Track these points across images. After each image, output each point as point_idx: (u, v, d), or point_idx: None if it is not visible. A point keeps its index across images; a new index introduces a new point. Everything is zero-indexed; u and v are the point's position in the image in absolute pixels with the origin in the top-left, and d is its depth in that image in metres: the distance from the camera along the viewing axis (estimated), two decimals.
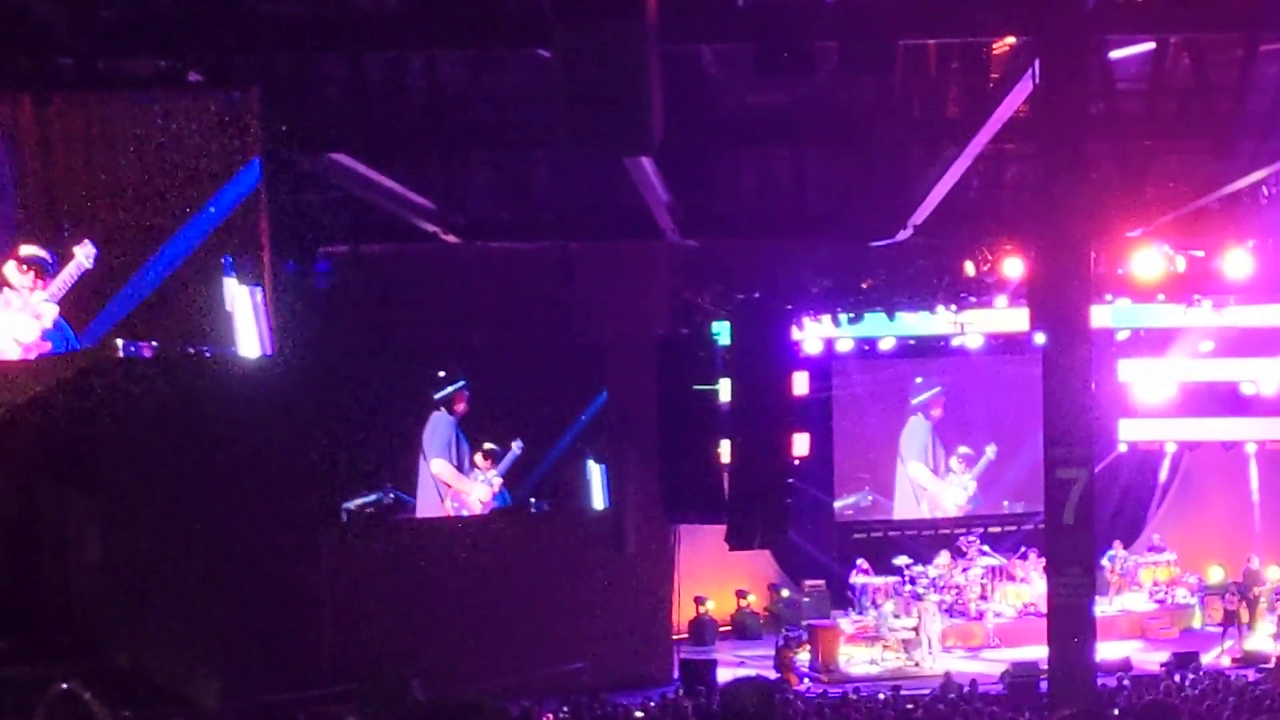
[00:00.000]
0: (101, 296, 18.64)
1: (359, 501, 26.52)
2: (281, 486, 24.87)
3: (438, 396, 26.93)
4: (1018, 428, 29.91)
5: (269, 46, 17.62)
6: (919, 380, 31.89)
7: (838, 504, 31.82)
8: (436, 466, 27.03)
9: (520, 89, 20.84)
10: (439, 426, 27.07)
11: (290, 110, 19.01)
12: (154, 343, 19.36)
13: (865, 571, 30.31)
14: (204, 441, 23.98)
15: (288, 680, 23.85)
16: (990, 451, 31.73)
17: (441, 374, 26.87)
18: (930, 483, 32.10)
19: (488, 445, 27.10)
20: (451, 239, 24.42)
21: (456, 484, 27.08)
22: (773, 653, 27.77)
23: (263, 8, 17.13)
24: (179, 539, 24.11)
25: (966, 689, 23.74)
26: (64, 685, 7.26)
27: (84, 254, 18.43)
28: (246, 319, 19.07)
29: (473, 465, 27.17)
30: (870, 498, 32.05)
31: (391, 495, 26.81)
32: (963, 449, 32.03)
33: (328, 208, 22.93)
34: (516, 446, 27.06)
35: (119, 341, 19.24)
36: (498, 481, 27.13)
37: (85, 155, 18.14)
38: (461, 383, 26.94)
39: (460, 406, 27.03)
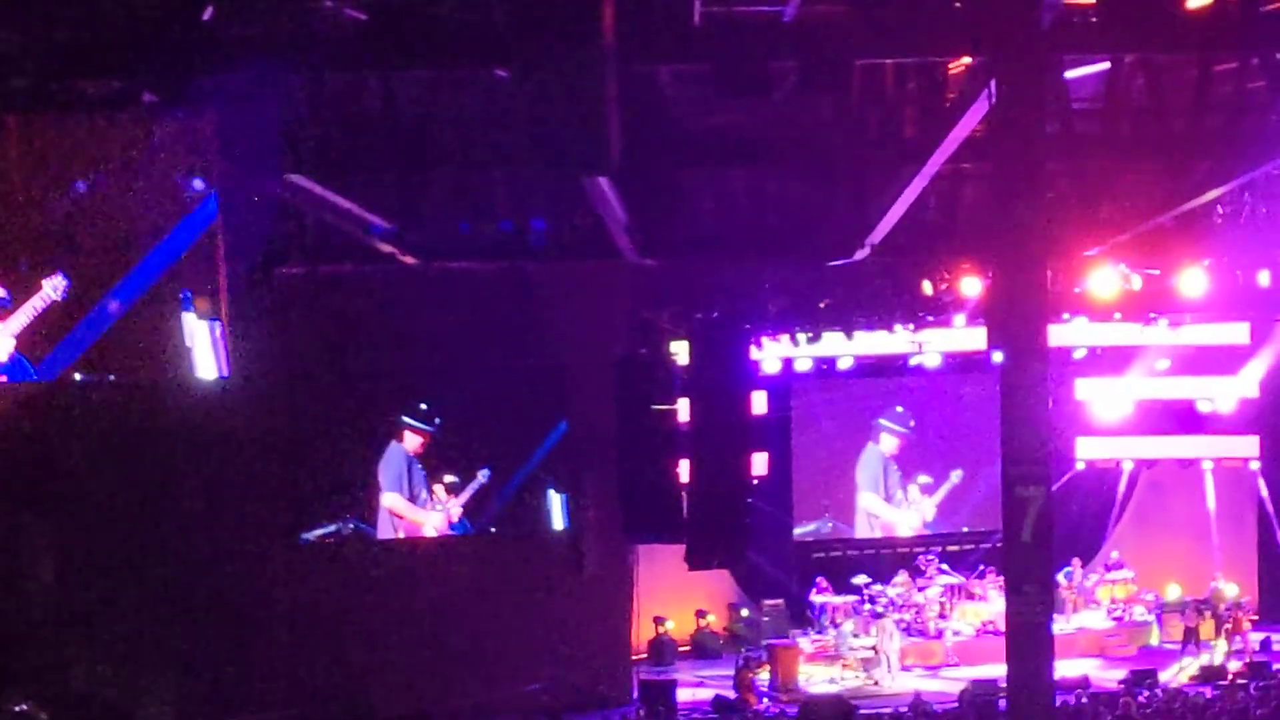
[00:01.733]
0: (59, 331, 18.49)
1: (318, 532, 26.42)
2: (239, 509, 24.79)
3: (403, 419, 26.92)
4: (976, 446, 30.02)
5: (225, 67, 17.54)
6: (899, 409, 31.90)
7: (798, 530, 31.81)
8: (388, 500, 26.95)
9: (478, 109, 20.79)
10: (392, 458, 27.01)
11: (246, 131, 18.93)
12: (111, 377, 19.26)
13: (824, 591, 30.35)
14: (160, 465, 23.88)
15: (244, 703, 23.74)
16: (955, 476, 31.72)
17: (423, 406, 26.90)
18: (882, 510, 32.10)
19: (449, 479, 27.00)
20: (409, 260, 24.35)
21: (410, 515, 27.01)
22: (732, 672, 27.75)
23: (218, 27, 17.05)
24: (135, 562, 24.00)
25: (938, 709, 23.80)
26: (19, 708, 7.22)
27: (52, 286, 18.26)
28: (205, 353, 18.96)
29: (430, 496, 27.05)
30: (830, 524, 32.06)
31: (351, 526, 26.72)
32: (923, 478, 32.01)
33: (284, 228, 22.83)
34: (482, 475, 26.97)
35: (76, 376, 19.12)
36: (458, 510, 27.02)
37: (44, 181, 18.01)
38: (430, 428, 26.98)
39: (416, 445, 27.00)
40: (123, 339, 18.54)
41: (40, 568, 25.08)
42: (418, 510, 26.94)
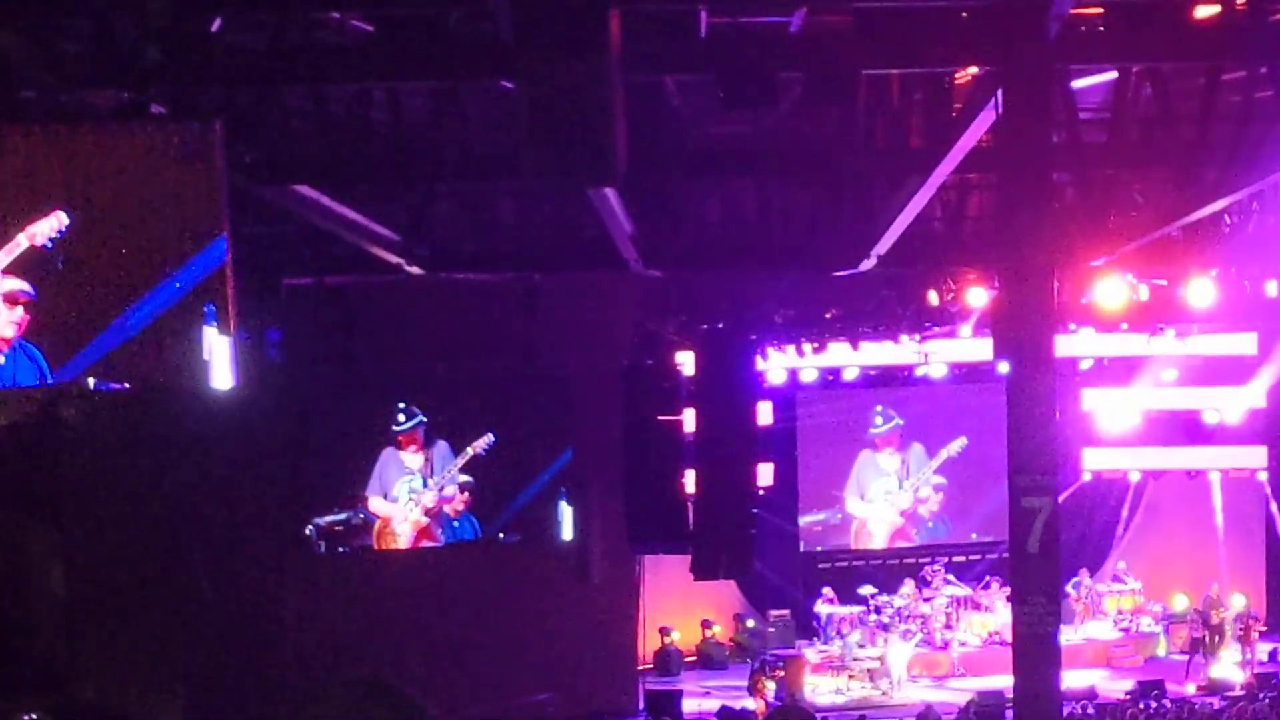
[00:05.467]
0: (82, 338, 18.51)
1: (329, 519, 26.48)
2: (247, 516, 24.78)
3: (392, 429, 27.02)
4: (982, 457, 29.98)
5: (232, 78, 17.57)
6: (878, 412, 31.94)
7: (807, 519, 31.80)
8: (373, 504, 27.04)
9: (484, 120, 20.81)
10: (387, 462, 27.18)
11: (254, 142, 18.96)
12: (126, 385, 19.30)
13: (830, 601, 30.33)
14: (170, 471, 23.89)
15: (253, 711, 23.73)
16: (957, 445, 31.68)
17: (400, 409, 26.93)
18: (858, 509, 32.11)
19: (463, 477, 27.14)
20: (415, 271, 24.37)
21: (383, 511, 27.08)
22: (738, 683, 27.78)
23: (225, 39, 17.08)
24: (143, 570, 23.99)
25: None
26: (28, 717, 7.22)
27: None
28: (223, 367, 19.00)
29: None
30: (840, 515, 32.03)
31: (361, 515, 26.81)
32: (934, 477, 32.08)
33: (291, 240, 22.86)
34: (484, 442, 27.00)
35: (90, 380, 19.16)
36: (431, 495, 27.04)
37: (64, 190, 18.03)
38: (410, 423, 27.01)
39: (411, 447, 27.06)
40: (143, 348, 18.56)
41: (48, 576, 25.08)
42: (391, 504, 27.03)
